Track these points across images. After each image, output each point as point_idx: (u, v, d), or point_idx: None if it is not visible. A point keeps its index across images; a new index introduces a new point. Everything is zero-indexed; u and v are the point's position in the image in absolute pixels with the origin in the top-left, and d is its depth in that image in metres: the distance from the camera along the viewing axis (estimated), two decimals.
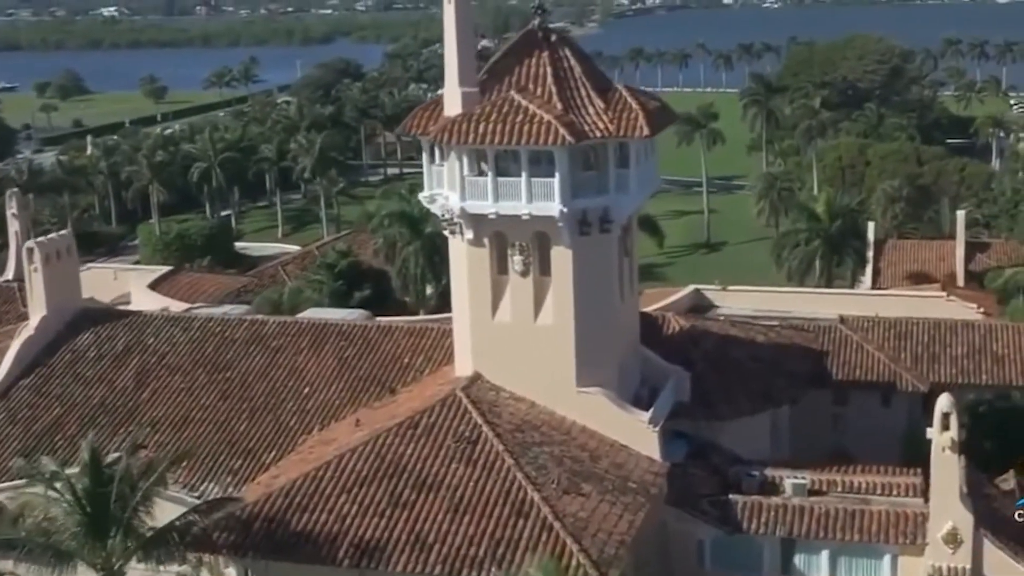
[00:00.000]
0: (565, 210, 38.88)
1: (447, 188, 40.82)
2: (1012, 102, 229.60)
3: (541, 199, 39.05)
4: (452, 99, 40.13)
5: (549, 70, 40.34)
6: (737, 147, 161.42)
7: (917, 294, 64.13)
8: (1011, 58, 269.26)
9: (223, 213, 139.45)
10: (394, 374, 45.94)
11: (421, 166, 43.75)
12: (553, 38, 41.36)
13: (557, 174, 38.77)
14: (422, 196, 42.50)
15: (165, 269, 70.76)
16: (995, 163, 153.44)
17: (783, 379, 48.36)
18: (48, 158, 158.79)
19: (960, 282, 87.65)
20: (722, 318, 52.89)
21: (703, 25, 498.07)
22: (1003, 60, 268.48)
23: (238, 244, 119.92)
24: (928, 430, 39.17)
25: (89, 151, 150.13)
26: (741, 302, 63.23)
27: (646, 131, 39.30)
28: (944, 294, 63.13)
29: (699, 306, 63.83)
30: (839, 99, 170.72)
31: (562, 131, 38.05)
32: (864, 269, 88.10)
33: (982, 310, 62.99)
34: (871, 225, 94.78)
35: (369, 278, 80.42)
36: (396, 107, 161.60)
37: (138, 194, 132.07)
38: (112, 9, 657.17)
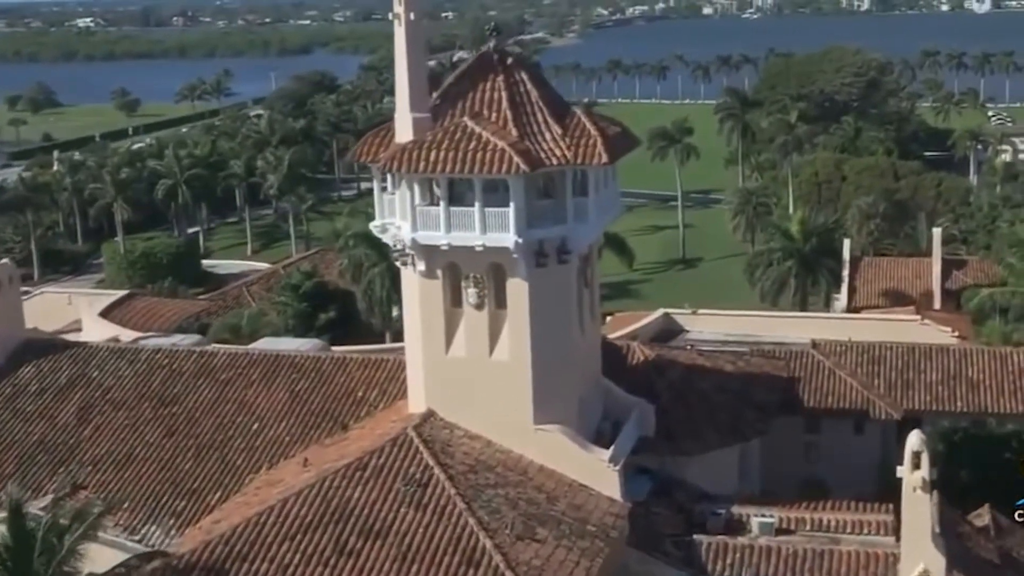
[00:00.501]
0: (520, 241, 37.27)
1: (399, 217, 39.17)
2: (990, 113, 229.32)
3: (495, 230, 37.42)
4: (403, 125, 38.51)
5: (504, 95, 38.73)
6: (715, 160, 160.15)
7: (891, 318, 62.84)
8: (989, 69, 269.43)
9: (191, 230, 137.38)
10: (347, 408, 44.28)
11: None
12: (509, 61, 39.74)
13: (512, 204, 37.15)
14: (373, 226, 40.81)
15: (120, 293, 68.78)
16: (973, 176, 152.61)
17: (751, 411, 46.86)
18: (14, 174, 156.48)
19: (936, 301, 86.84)
20: (689, 347, 51.37)
21: (683, 35, 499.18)
22: (981, 71, 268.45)
23: (206, 262, 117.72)
24: (899, 468, 37.76)
25: (55, 167, 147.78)
26: (712, 326, 61.94)
27: (604, 158, 37.70)
28: (918, 318, 61.84)
29: (669, 330, 62.47)
30: (816, 112, 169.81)
31: (516, 160, 36.44)
32: (839, 288, 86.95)
33: (957, 334, 61.76)
34: (847, 242, 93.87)
35: (335, 299, 78.83)
36: (369, 121, 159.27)
37: (103, 211, 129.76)
38: (88, 20, 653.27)
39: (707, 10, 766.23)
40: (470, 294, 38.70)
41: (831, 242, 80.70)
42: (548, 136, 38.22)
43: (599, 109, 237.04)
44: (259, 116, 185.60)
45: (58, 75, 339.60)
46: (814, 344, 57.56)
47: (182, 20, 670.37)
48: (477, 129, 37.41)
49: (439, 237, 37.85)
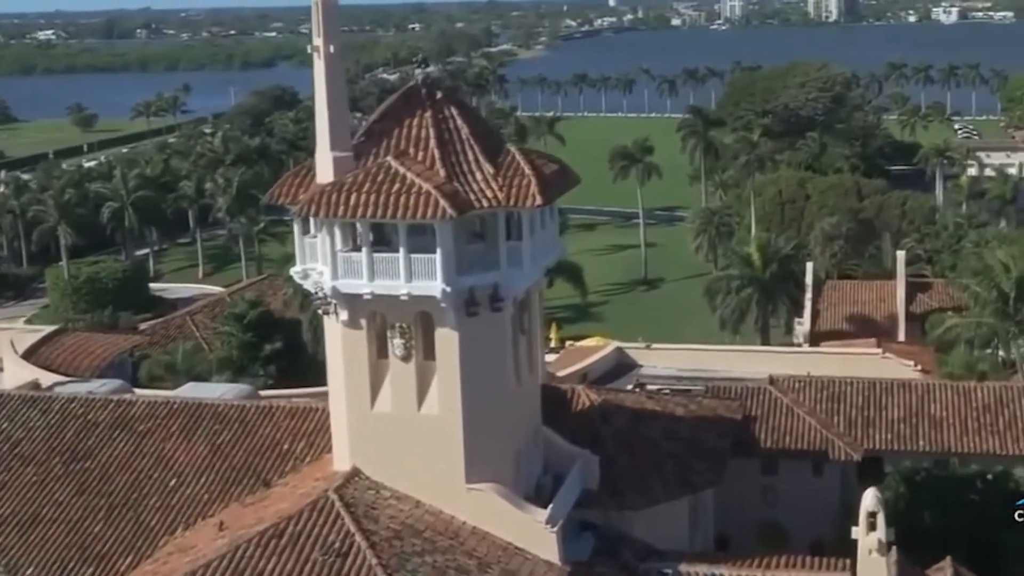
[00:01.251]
0: (448, 290, 34.73)
1: (320, 263, 36.54)
2: (956, 127, 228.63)
3: (422, 277, 34.87)
4: (324, 165, 35.93)
5: (432, 132, 36.19)
6: (680, 176, 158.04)
7: (851, 351, 60.71)
8: (955, 82, 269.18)
9: (141, 252, 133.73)
10: (271, 463, 41.52)
11: None
12: (438, 95, 37.18)
13: (439, 250, 34.61)
14: (294, 271, 38.12)
15: (48, 329, 65.70)
16: (939, 192, 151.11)
17: (702, 460, 44.32)
18: None
19: (901, 325, 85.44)
20: (637, 389, 48.92)
21: (651, 47, 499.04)
22: (947, 84, 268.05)
23: (156, 285, 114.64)
24: (854, 529, 35.69)
25: (1, 188, 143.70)
26: (665, 360, 59.91)
27: (538, 200, 35.21)
28: (880, 351, 59.68)
29: (622, 365, 60.40)
30: (781, 127, 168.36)
31: (443, 203, 33.90)
32: (801, 313, 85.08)
33: (919, 367, 59.72)
34: (809, 266, 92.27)
35: (281, 329, 76.24)
36: None
37: (47, 235, 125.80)
38: (49, 33, 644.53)
39: (675, 21, 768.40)
40: (396, 345, 36.13)
41: (792, 267, 78.41)
42: (479, 176, 35.75)
43: (565, 123, 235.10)
44: (212, 134, 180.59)
45: (16, 90, 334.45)
46: (772, 380, 55.87)
47: (145, 32, 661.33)
48: (401, 170, 34.86)
49: (361, 285, 35.28)
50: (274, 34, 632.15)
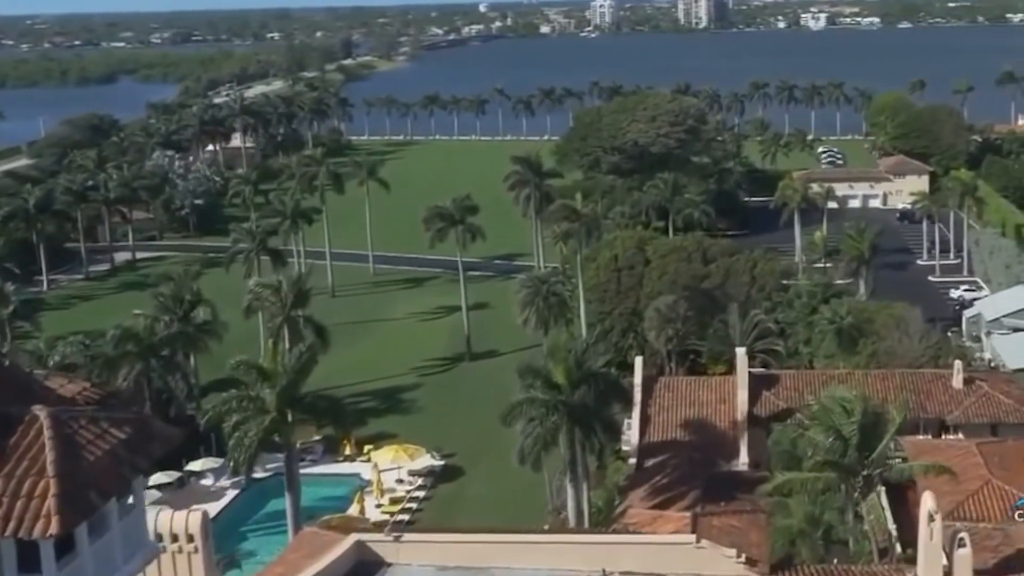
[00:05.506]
0: None
1: None
2: (821, 150, 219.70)
3: None
4: None
5: None
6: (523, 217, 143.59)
7: (659, 541, 47.49)
8: (820, 102, 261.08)
9: None
10: None
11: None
12: None
13: None
14: None
15: None
16: (797, 238, 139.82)
17: None
18: None
19: (743, 435, 74.32)
20: None
21: (517, 57, 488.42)
22: (811, 104, 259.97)
23: None
24: None
25: None
26: (421, 556, 45.94)
27: (55, 528, 21.17)
28: (694, 538, 46.54)
29: (363, 566, 46.35)
30: (631, 165, 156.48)
31: None
32: (625, 431, 72.81)
33: (743, 559, 46.67)
34: (638, 362, 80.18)
35: None
36: (125, 186, 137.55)
37: None
38: None
39: (545, 28, 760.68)
40: None
41: (607, 385, 65.06)
42: None
43: (412, 149, 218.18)
44: None
45: None
46: None
47: None
48: None
49: None
50: (123, 44, 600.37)
